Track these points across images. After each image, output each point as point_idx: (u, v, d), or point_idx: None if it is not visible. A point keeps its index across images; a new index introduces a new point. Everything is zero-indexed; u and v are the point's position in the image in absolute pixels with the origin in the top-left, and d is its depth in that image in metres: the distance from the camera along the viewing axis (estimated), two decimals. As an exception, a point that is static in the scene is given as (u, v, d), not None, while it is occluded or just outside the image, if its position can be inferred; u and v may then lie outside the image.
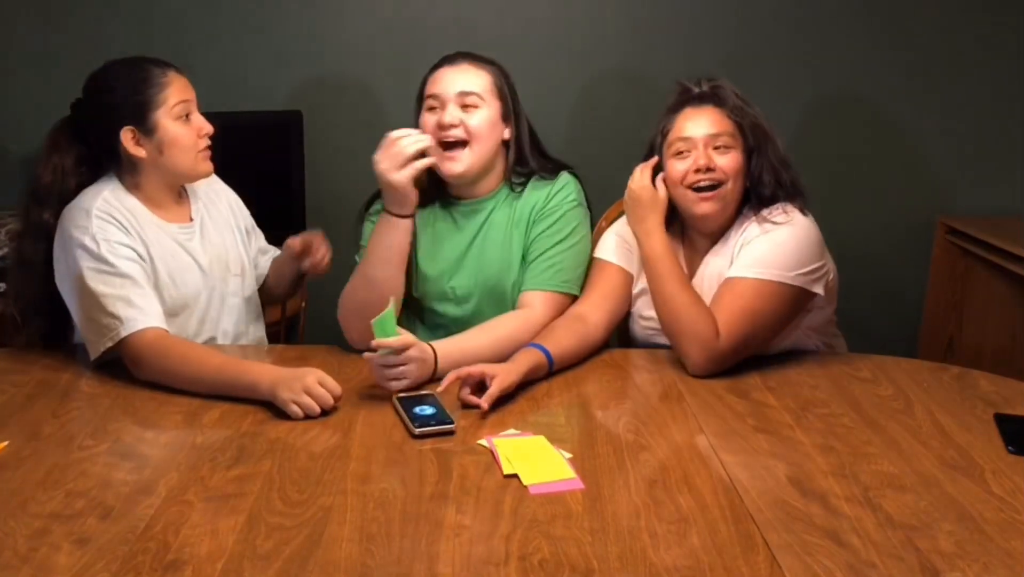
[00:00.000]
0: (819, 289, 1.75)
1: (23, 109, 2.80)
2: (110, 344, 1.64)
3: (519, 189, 1.91)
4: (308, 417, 1.49)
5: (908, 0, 2.88)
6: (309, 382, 1.51)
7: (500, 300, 1.91)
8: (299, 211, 2.72)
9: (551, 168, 1.93)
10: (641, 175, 1.81)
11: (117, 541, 1.13)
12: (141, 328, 1.64)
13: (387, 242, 1.79)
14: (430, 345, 1.64)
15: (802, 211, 1.78)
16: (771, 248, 1.72)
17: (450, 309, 1.93)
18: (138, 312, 1.66)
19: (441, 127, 1.82)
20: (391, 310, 1.57)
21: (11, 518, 1.18)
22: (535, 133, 1.94)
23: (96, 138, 1.77)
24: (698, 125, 1.77)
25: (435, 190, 1.93)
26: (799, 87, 2.91)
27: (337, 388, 1.53)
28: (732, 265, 1.75)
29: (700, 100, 1.81)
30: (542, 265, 1.87)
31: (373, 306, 1.61)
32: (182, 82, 1.77)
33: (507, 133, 1.89)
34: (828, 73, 2.93)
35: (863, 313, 2.83)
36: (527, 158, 1.91)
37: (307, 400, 1.50)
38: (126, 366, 1.66)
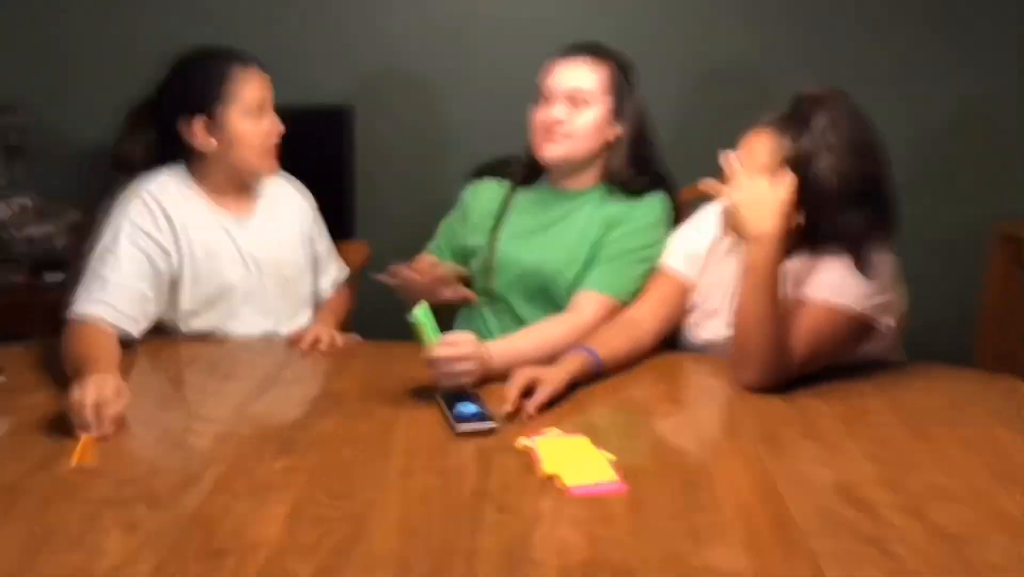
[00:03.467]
0: (889, 320, 1.69)
1: (84, 104, 2.87)
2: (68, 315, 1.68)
3: (607, 195, 1.92)
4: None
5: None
6: (77, 395, 1.38)
7: (553, 293, 1.92)
8: (348, 206, 2.75)
9: (645, 183, 1.92)
10: (760, 171, 1.66)
11: (164, 528, 1.15)
12: (80, 313, 1.67)
13: None
14: (485, 346, 1.65)
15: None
16: (846, 273, 1.66)
17: (511, 288, 1.96)
18: (95, 297, 1.68)
19: (548, 122, 1.86)
20: (426, 310, 1.57)
21: (64, 502, 1.21)
22: (647, 140, 1.93)
23: (170, 124, 1.81)
24: (748, 151, 1.68)
25: (536, 171, 1.97)
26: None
27: (107, 408, 1.38)
28: (804, 286, 1.69)
29: (779, 121, 1.67)
30: (605, 268, 1.87)
31: None
32: (259, 79, 1.80)
33: (617, 131, 1.90)
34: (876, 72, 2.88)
35: (915, 321, 2.77)
36: (624, 165, 1.91)
37: (81, 418, 1.37)
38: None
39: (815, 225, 1.67)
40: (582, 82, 1.86)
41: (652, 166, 1.94)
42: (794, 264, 1.73)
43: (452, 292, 1.92)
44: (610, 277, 1.86)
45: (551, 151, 1.88)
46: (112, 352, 1.62)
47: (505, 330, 1.97)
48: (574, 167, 1.93)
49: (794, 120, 1.66)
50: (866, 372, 1.73)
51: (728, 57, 2.87)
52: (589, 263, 1.90)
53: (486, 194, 2.04)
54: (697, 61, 2.89)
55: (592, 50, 1.90)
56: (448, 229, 2.10)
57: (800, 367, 1.64)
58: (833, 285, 1.66)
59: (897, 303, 1.71)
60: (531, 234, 1.96)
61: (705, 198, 1.92)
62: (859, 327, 1.67)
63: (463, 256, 2.07)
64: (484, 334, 2.00)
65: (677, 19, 2.87)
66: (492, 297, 2.01)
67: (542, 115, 1.88)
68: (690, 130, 2.85)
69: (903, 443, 1.44)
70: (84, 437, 1.36)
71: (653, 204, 1.92)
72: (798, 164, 1.63)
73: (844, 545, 1.14)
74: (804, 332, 1.64)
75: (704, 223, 1.88)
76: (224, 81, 1.77)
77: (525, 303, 1.97)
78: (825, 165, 1.62)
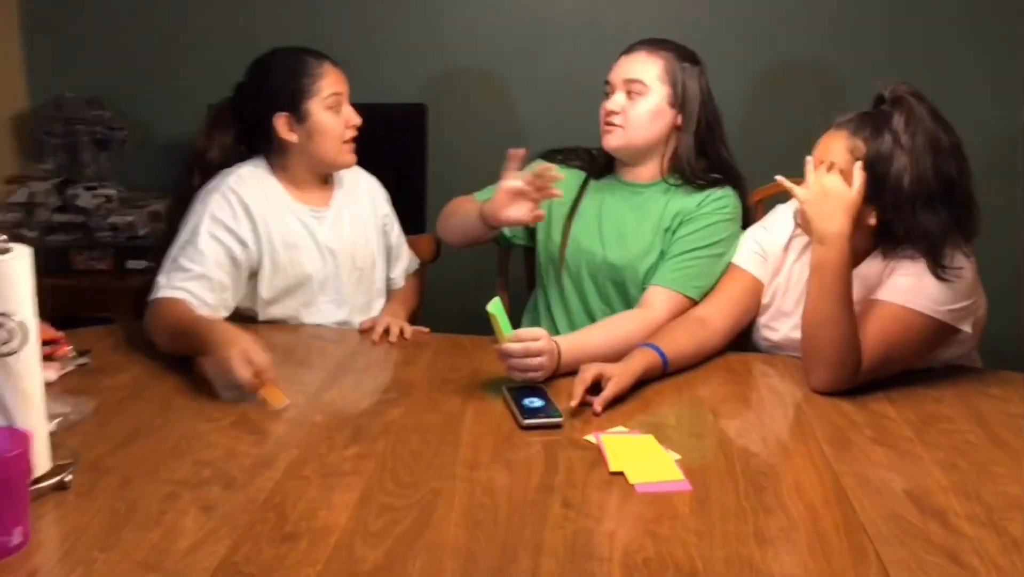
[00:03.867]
0: (966, 327, 1.65)
1: (167, 99, 2.96)
2: (149, 301, 1.75)
3: (675, 188, 1.93)
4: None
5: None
6: (228, 355, 1.47)
7: (624, 285, 1.93)
8: (420, 200, 2.78)
9: (713, 177, 1.92)
10: (831, 169, 1.64)
11: (239, 510, 1.19)
12: (157, 297, 1.74)
13: (473, 223, 1.88)
14: (554, 341, 1.66)
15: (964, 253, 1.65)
16: (923, 277, 1.62)
17: (580, 279, 1.97)
18: (177, 284, 1.74)
19: (605, 112, 1.91)
20: (499, 304, 1.58)
21: (145, 482, 1.25)
22: (712, 132, 1.93)
23: (252, 120, 1.89)
24: (822, 152, 1.66)
25: (608, 164, 2.00)
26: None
27: (261, 366, 1.48)
28: (880, 289, 1.66)
29: (855, 121, 1.65)
30: (676, 264, 1.86)
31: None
32: (336, 74, 1.87)
33: (677, 121, 1.91)
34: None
35: (993, 327, 2.69)
36: (689, 156, 1.91)
37: (221, 378, 1.48)
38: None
39: (890, 227, 1.64)
40: (637, 72, 1.89)
41: (720, 160, 1.94)
42: (869, 266, 1.70)
43: (532, 213, 1.78)
44: (681, 274, 1.85)
45: (609, 140, 1.92)
46: (210, 317, 1.72)
47: (572, 322, 1.98)
48: (635, 156, 1.94)
49: (870, 120, 1.64)
50: (941, 378, 1.69)
51: (804, 56, 2.82)
52: (662, 256, 1.90)
53: (561, 183, 2.03)
54: (772, 60, 2.85)
55: (652, 42, 1.93)
56: None
57: (872, 371, 1.61)
58: (909, 289, 1.63)
59: (975, 309, 1.67)
60: (603, 227, 1.97)
61: (779, 197, 1.90)
62: (934, 333, 1.64)
63: (532, 239, 2.08)
64: (548, 323, 2.02)
65: (752, 15, 2.83)
66: (561, 288, 2.02)
67: (604, 106, 1.93)
68: (764, 129, 2.82)
69: (978, 451, 1.41)
70: (263, 388, 1.49)
71: (724, 201, 1.91)
72: (873, 165, 1.61)
73: (915, 554, 1.12)
74: (877, 336, 1.61)
75: (777, 222, 1.86)
76: (304, 77, 1.84)
77: (594, 295, 1.97)
78: (901, 166, 1.59)
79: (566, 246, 1.98)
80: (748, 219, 1.97)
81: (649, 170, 1.96)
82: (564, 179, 1.79)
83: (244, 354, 1.48)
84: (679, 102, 1.90)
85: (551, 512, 1.20)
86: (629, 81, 1.89)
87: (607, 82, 1.93)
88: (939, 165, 1.60)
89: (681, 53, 1.92)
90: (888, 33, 2.79)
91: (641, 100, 1.88)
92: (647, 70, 1.89)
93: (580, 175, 2.03)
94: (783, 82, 2.84)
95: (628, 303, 1.93)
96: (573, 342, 1.70)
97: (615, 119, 1.90)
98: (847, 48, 2.80)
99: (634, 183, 1.97)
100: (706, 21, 2.83)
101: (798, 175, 1.68)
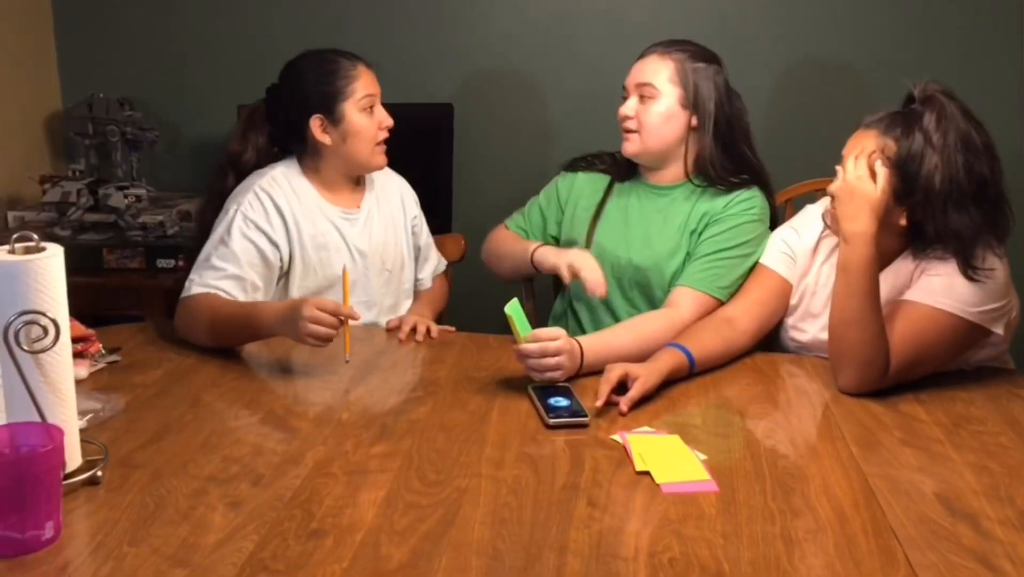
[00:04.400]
0: (998, 328, 1.63)
1: (196, 101, 2.98)
2: (181, 299, 1.79)
3: (700, 190, 1.92)
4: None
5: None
6: (308, 314, 1.57)
7: (649, 287, 1.93)
8: (446, 203, 2.79)
9: (738, 181, 1.91)
10: (856, 165, 1.61)
11: (266, 507, 1.20)
12: (191, 294, 1.76)
13: (524, 265, 1.98)
14: (577, 341, 1.66)
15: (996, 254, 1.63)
16: (954, 278, 1.60)
17: (609, 281, 1.94)
18: (209, 283, 1.77)
19: (620, 117, 1.92)
20: (516, 305, 1.59)
21: (174, 477, 1.27)
22: (733, 132, 1.91)
23: (286, 121, 1.91)
24: (855, 144, 1.64)
25: (631, 167, 2.00)
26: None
27: (335, 308, 1.59)
28: (911, 289, 1.65)
29: (885, 120, 1.63)
30: (703, 265, 1.86)
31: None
32: (369, 76, 1.88)
33: (694, 121, 1.89)
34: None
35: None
36: (711, 157, 1.90)
37: (315, 330, 1.58)
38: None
39: (921, 227, 1.63)
40: (648, 76, 1.88)
41: (745, 160, 1.92)
42: (899, 267, 1.68)
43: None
44: (707, 274, 1.84)
45: (627, 148, 1.93)
46: (236, 303, 1.77)
47: (598, 325, 1.98)
48: (655, 160, 1.94)
49: (900, 120, 1.62)
50: (971, 379, 1.67)
51: (831, 54, 2.79)
52: (687, 258, 1.90)
53: (586, 187, 2.05)
54: (800, 57, 2.83)
55: (666, 43, 1.92)
56: (535, 211, 2.11)
57: (901, 372, 1.59)
58: (940, 289, 1.61)
59: (1008, 310, 1.64)
60: (628, 229, 1.96)
61: (808, 197, 1.88)
62: (966, 334, 1.62)
63: (556, 242, 2.09)
64: (576, 328, 2.02)
65: (781, 15, 2.81)
66: (583, 292, 2.01)
67: (620, 111, 1.93)
68: (791, 128, 2.80)
69: (1010, 454, 1.39)
70: (344, 327, 1.61)
71: (751, 201, 1.89)
72: (904, 165, 1.59)
73: (945, 558, 1.11)
74: (906, 336, 1.59)
75: (806, 223, 1.84)
76: (338, 79, 1.85)
77: (620, 298, 1.97)
78: (932, 166, 1.57)
79: (591, 251, 1.98)
80: (775, 220, 1.95)
81: (672, 172, 1.95)
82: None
83: (316, 305, 1.57)
84: (692, 103, 1.88)
85: (576, 511, 1.20)
86: (640, 85, 1.89)
87: (624, 87, 1.94)
88: (971, 164, 1.58)
89: (695, 53, 1.90)
90: (916, 30, 2.76)
91: (653, 104, 1.88)
92: (658, 73, 1.88)
93: (604, 179, 2.03)
94: (810, 80, 2.82)
95: (654, 305, 1.92)
96: (597, 342, 1.69)
97: (630, 124, 1.90)
98: (873, 46, 2.77)
99: (659, 185, 1.97)
100: (733, 19, 2.81)
101: (826, 175, 1.66)
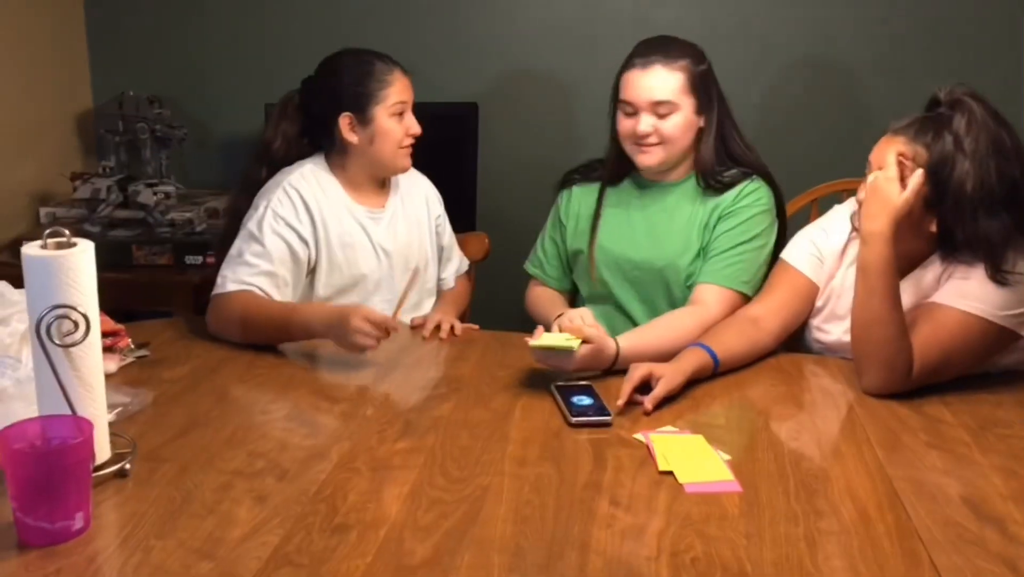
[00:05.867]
0: None
1: (223, 99, 3.01)
2: (214, 295, 1.81)
3: (705, 185, 1.92)
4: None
5: None
6: (356, 324, 1.61)
7: (665, 286, 1.93)
8: (470, 202, 2.79)
9: (742, 173, 1.92)
10: (888, 167, 1.59)
11: (291, 501, 1.21)
12: (226, 291, 1.78)
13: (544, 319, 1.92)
14: (614, 340, 1.66)
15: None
16: (983, 282, 1.58)
17: (617, 285, 1.97)
18: (240, 278, 1.78)
19: (637, 135, 1.87)
20: (539, 340, 1.61)
21: (201, 472, 1.28)
22: (731, 128, 1.93)
23: (317, 116, 1.92)
24: (882, 150, 1.62)
25: (626, 166, 1.98)
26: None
27: (383, 320, 1.62)
28: (938, 292, 1.63)
29: (913, 127, 1.61)
30: (723, 261, 1.86)
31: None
32: (404, 83, 1.90)
33: (702, 123, 1.91)
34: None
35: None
36: (718, 154, 1.92)
37: (362, 340, 1.61)
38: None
39: (951, 231, 1.61)
40: (662, 92, 1.85)
41: (740, 149, 1.93)
42: (927, 270, 1.67)
43: None
44: (731, 270, 1.85)
45: (648, 160, 1.90)
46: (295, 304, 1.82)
47: (614, 332, 1.98)
48: (670, 165, 1.94)
49: (929, 125, 1.60)
50: (999, 382, 1.65)
51: (863, 56, 2.77)
52: (703, 251, 1.90)
53: (580, 199, 2.05)
54: (823, 56, 2.81)
55: (664, 52, 1.87)
56: (547, 243, 2.12)
57: (927, 374, 1.58)
58: (968, 292, 1.59)
59: None
60: (632, 229, 1.97)
61: (835, 197, 1.87)
62: (994, 338, 1.60)
63: (571, 263, 2.09)
64: None
65: (806, 14, 2.78)
66: (598, 299, 2.02)
67: (630, 127, 1.88)
68: (820, 129, 2.78)
69: (1039, 459, 1.38)
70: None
71: (759, 192, 1.91)
72: (933, 169, 1.57)
73: (971, 562, 1.10)
74: (934, 339, 1.58)
75: (835, 224, 1.83)
76: (373, 82, 1.87)
77: (635, 300, 1.97)
78: (963, 172, 1.56)
79: (595, 257, 1.98)
80: (782, 203, 1.97)
81: (678, 170, 1.96)
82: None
83: (365, 315, 1.61)
84: (703, 106, 1.89)
85: (599, 510, 1.21)
86: (656, 104, 1.85)
87: (623, 101, 1.88)
88: (1002, 168, 1.56)
89: (693, 56, 1.89)
90: (936, 33, 2.73)
91: (672, 117, 1.86)
92: (672, 87, 1.85)
93: (596, 186, 2.03)
94: (837, 80, 2.80)
95: (672, 303, 1.92)
96: (633, 339, 1.71)
97: (650, 140, 1.87)
98: (907, 47, 2.74)
99: (663, 183, 1.97)
100: (758, 19, 2.79)
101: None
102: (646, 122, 1.86)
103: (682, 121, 1.87)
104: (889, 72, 2.75)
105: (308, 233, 1.86)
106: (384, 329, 1.63)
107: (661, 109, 1.85)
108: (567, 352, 1.58)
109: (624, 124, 1.90)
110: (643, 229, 1.96)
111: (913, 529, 1.17)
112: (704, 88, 1.89)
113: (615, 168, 1.99)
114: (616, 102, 1.92)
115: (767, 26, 2.79)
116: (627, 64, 1.90)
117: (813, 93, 2.81)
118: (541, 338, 1.60)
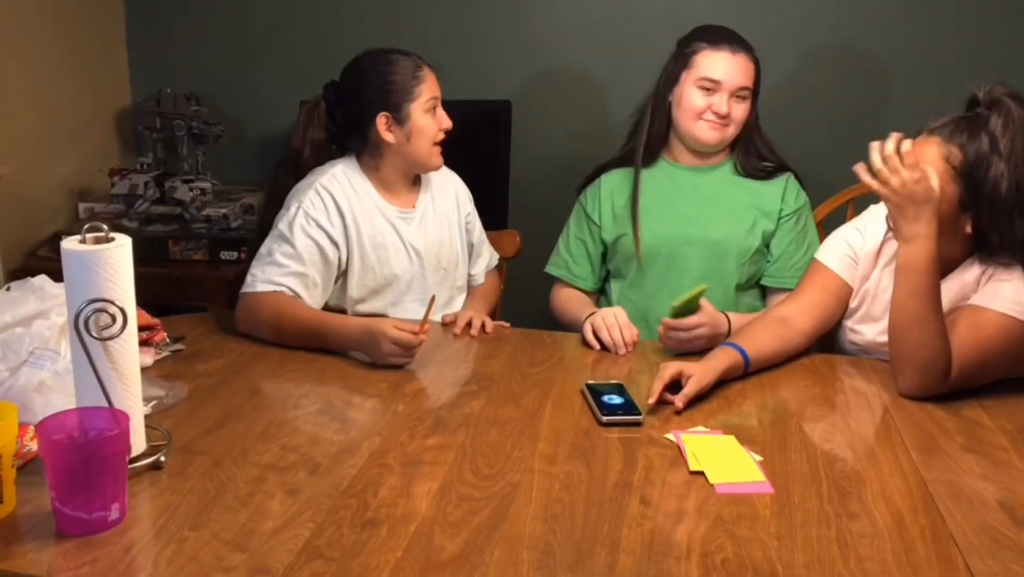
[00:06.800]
0: None
1: (259, 97, 3.04)
2: (243, 293, 1.83)
3: (745, 173, 2.05)
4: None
5: None
6: (386, 349, 1.63)
7: (721, 260, 2.01)
8: (502, 199, 2.80)
9: (777, 163, 2.07)
10: (912, 170, 1.54)
11: (323, 495, 1.22)
12: (255, 290, 1.80)
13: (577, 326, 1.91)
14: (725, 315, 1.82)
15: None
16: (1021, 286, 1.56)
17: (665, 264, 2.04)
18: (270, 279, 1.80)
19: (716, 113, 1.98)
20: (697, 293, 1.72)
21: (234, 465, 1.30)
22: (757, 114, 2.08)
23: (347, 118, 1.93)
24: (918, 151, 1.57)
25: (660, 149, 2.08)
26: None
27: (410, 338, 1.63)
28: (976, 294, 1.61)
29: (949, 127, 1.58)
30: (794, 267, 2.01)
31: None
32: (433, 79, 1.92)
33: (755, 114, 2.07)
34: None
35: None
36: (757, 141, 2.06)
37: (395, 361, 1.65)
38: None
39: (986, 234, 1.59)
40: (748, 79, 1.99)
41: (769, 144, 2.08)
42: (964, 272, 1.64)
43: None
44: (795, 271, 2.00)
45: (714, 137, 2.00)
46: (311, 309, 1.82)
47: (648, 325, 1.98)
48: (721, 148, 2.05)
49: (965, 125, 1.57)
50: (1039, 387, 1.63)
51: (904, 56, 2.73)
52: (757, 227, 2.02)
53: (610, 187, 2.10)
54: (859, 52, 2.77)
55: (742, 42, 2.00)
56: (575, 242, 2.13)
57: (964, 377, 1.56)
58: (1008, 295, 1.57)
59: None
60: (681, 208, 2.03)
61: (871, 197, 1.85)
62: None
63: (607, 255, 2.11)
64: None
65: (841, 9, 2.75)
66: (637, 284, 2.05)
67: (706, 103, 1.98)
68: (858, 128, 2.75)
69: (1079, 464, 1.35)
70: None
71: (798, 187, 2.06)
72: (969, 171, 1.55)
73: (1007, 567, 1.08)
74: (972, 341, 1.55)
75: (871, 224, 1.80)
76: (407, 80, 1.88)
77: (686, 277, 2.00)
78: (998, 173, 1.53)
79: (638, 241, 2.02)
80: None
81: (719, 155, 2.07)
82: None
83: (393, 338, 1.63)
84: (756, 99, 2.04)
85: (629, 509, 1.20)
86: (741, 88, 1.97)
87: (706, 78, 1.97)
88: None
89: (751, 47, 2.01)
90: (980, 31, 2.69)
91: (745, 103, 2.00)
92: (751, 75, 1.99)
93: (621, 173, 2.09)
94: (875, 79, 2.76)
95: (723, 276, 2.00)
96: (737, 320, 1.84)
97: (723, 120, 1.98)
98: (952, 46, 2.70)
99: (700, 167, 2.06)
100: (795, 17, 2.77)
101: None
102: (728, 102, 1.96)
103: (749, 108, 2.01)
104: (928, 72, 2.71)
105: (339, 235, 1.87)
106: (415, 340, 1.64)
107: (742, 93, 1.98)
108: (699, 296, 1.72)
109: (699, 99, 1.98)
110: (690, 207, 2.04)
111: (948, 533, 1.16)
112: (759, 82, 2.02)
113: (654, 145, 2.07)
114: (677, 77, 2.01)
115: (802, 25, 2.77)
116: (711, 44, 2.00)
117: (849, 92, 2.77)
118: (675, 302, 1.70)
